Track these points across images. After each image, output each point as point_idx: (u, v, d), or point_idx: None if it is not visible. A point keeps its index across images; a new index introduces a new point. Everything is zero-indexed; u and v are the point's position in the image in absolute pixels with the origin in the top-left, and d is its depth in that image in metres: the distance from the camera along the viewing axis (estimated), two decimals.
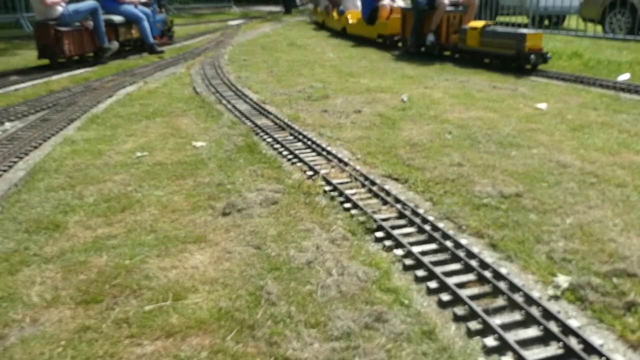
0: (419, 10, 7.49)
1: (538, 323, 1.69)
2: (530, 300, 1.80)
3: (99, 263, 2.11)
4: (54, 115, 4.58)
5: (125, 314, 1.78)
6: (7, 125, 4.36)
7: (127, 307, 1.82)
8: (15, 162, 3.38)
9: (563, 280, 1.95)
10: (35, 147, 3.72)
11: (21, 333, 1.71)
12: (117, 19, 8.17)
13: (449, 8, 7.21)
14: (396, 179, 3.03)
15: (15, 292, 1.92)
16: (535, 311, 1.75)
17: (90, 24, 7.46)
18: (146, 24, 8.51)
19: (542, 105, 4.57)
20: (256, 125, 4.15)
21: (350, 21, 10.44)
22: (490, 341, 1.64)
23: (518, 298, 1.82)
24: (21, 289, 1.94)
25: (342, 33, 11.11)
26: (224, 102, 5.05)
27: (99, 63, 7.62)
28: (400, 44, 8.62)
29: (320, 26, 13.29)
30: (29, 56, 7.96)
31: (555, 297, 1.89)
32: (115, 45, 7.95)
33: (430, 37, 7.39)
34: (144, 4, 8.88)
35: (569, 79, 5.70)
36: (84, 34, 7.44)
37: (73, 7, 7.20)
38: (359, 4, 10.36)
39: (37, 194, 2.83)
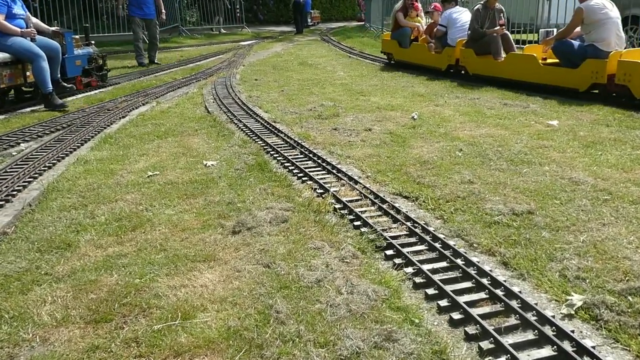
0: None
1: (552, 343, 1.66)
2: (543, 319, 1.77)
3: (109, 282, 2.12)
4: (68, 136, 4.65)
5: (134, 333, 1.78)
6: (23, 145, 4.43)
7: (136, 327, 1.82)
8: (29, 182, 3.42)
9: (577, 298, 1.91)
10: (49, 167, 3.78)
11: (31, 353, 1.72)
12: None
13: None
14: (406, 197, 3.02)
15: (26, 311, 1.93)
16: (548, 330, 1.72)
17: None
18: (43, 65, 5.85)
19: (554, 122, 4.54)
20: (267, 144, 4.18)
21: None
22: None
23: (531, 317, 1.79)
24: (32, 308, 1.94)
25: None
26: (235, 121, 5.09)
27: None
28: None
29: (435, 73, 7.80)
30: None
31: (569, 316, 1.86)
32: None
33: None
34: (54, 34, 6.46)
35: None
36: None
37: None
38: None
39: (50, 214, 2.86)
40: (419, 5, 9.05)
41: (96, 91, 7.24)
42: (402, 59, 8.97)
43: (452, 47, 7.49)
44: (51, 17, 12.64)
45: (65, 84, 6.49)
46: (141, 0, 10.14)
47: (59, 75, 6.36)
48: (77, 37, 7.23)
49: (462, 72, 7.40)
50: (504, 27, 6.97)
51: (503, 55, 6.70)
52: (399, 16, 8.90)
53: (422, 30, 8.64)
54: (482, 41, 6.89)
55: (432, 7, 8.55)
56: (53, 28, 6.60)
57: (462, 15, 7.62)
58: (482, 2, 7.10)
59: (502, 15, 7.13)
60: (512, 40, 6.98)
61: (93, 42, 7.71)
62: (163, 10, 10.69)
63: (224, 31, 19.22)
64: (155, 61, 10.44)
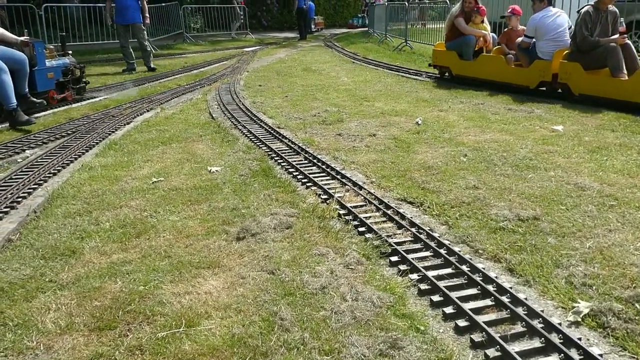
0: None
1: (558, 350, 1.65)
2: (549, 327, 1.76)
3: (113, 289, 2.11)
4: (73, 142, 4.66)
5: (138, 340, 1.78)
6: (28, 152, 4.44)
7: (140, 334, 1.81)
8: (34, 189, 3.43)
9: (584, 306, 1.90)
10: (54, 174, 3.78)
11: None
12: None
13: None
14: (411, 203, 3.01)
15: (30, 319, 1.93)
16: (555, 338, 1.70)
17: None
18: (4, 78, 5.24)
19: (559, 127, 4.53)
20: (271, 150, 4.18)
21: None
22: None
23: (537, 324, 1.77)
24: (36, 316, 1.94)
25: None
26: (240, 127, 5.10)
27: None
28: None
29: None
30: None
31: (576, 324, 1.84)
32: None
33: None
34: (23, 44, 5.84)
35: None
36: None
37: None
38: None
39: (55, 220, 2.86)
40: (485, 9, 7.41)
41: (96, 100, 7.26)
42: (464, 74, 7.33)
43: (543, 59, 6.03)
44: (56, 25, 12.74)
45: (35, 99, 5.83)
46: (122, 6, 9.89)
47: (27, 90, 5.73)
48: (51, 47, 6.64)
49: (559, 90, 5.91)
50: (625, 35, 5.47)
51: (625, 71, 5.28)
52: (459, 22, 7.29)
53: (490, 40, 7.28)
54: (594, 53, 5.43)
55: (510, 10, 6.98)
56: (22, 38, 5.93)
57: (558, 19, 6.09)
58: (591, 3, 5.63)
59: (618, 19, 5.61)
60: (636, 53, 5.46)
61: (70, 52, 7.13)
62: (147, 15, 10.38)
63: (239, 36, 19.44)
64: (151, 66, 10.23)
